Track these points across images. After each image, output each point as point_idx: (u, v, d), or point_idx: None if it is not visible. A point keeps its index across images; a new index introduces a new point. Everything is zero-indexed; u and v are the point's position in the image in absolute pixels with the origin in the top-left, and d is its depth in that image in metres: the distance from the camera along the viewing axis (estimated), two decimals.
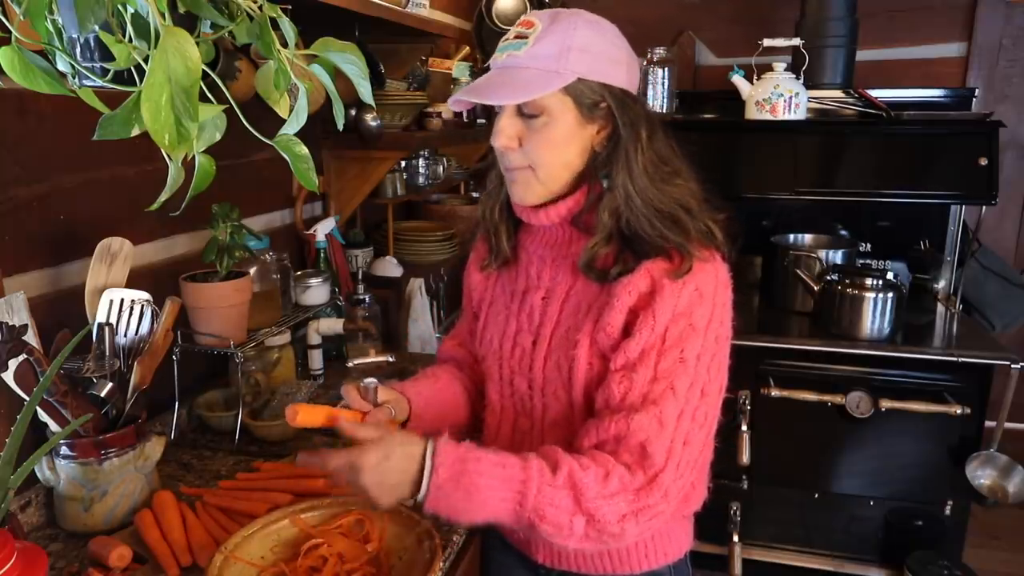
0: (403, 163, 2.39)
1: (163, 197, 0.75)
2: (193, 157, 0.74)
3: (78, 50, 0.73)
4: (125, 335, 1.24)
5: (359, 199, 2.17)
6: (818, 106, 2.42)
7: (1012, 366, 1.98)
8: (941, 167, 2.21)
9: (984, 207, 2.32)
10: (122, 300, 1.24)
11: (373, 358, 1.48)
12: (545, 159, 0.99)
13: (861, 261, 2.57)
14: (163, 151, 0.68)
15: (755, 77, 2.39)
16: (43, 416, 1.12)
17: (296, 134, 0.78)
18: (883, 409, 2.06)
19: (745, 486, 2.26)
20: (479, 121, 2.60)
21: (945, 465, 2.10)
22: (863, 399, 2.07)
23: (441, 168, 2.66)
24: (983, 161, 2.15)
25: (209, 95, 0.71)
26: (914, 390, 2.06)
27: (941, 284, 2.49)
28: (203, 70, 0.66)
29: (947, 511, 2.20)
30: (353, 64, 0.77)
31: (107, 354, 1.21)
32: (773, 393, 2.13)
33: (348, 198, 2.16)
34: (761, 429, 2.17)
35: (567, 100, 0.96)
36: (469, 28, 2.72)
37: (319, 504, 1.13)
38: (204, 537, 1.12)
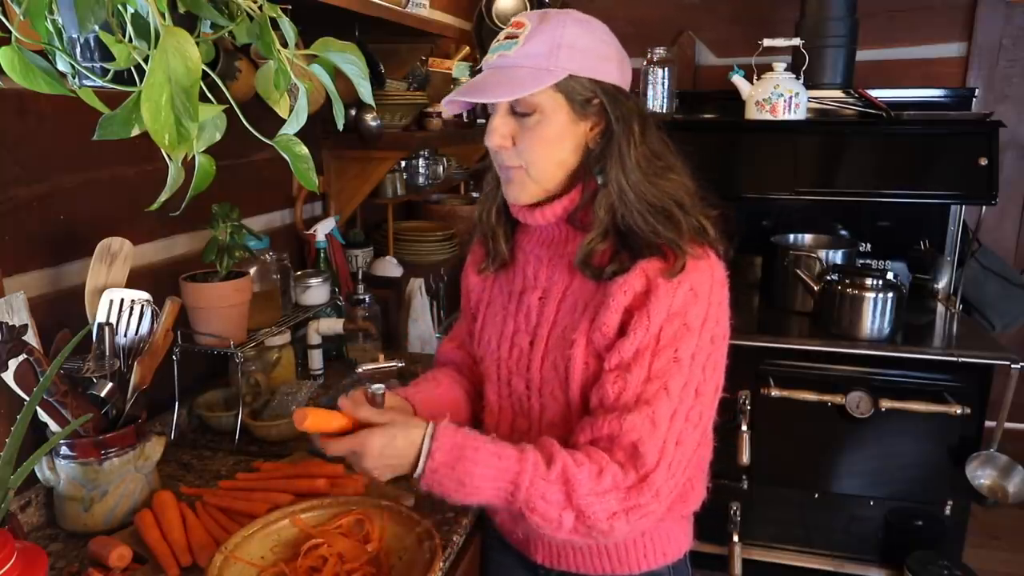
0: (403, 163, 2.39)
1: (163, 197, 0.75)
2: (193, 157, 0.74)
3: (78, 50, 0.73)
4: (125, 335, 1.24)
5: (359, 199, 2.17)
6: (818, 106, 2.42)
7: (1012, 366, 1.98)
8: (941, 167, 2.21)
9: (984, 207, 2.32)
10: (122, 300, 1.24)
11: (381, 364, 1.48)
12: (539, 157, 0.99)
13: (861, 261, 2.57)
14: (163, 151, 0.68)
15: (755, 77, 2.39)
16: (43, 416, 1.12)
17: (296, 134, 0.78)
18: (883, 409, 2.06)
19: (745, 486, 2.26)
20: (479, 121, 2.60)
21: (945, 465, 2.10)
22: (863, 399, 2.07)
23: (441, 168, 2.66)
24: (983, 161, 2.15)
25: (209, 95, 0.71)
26: (914, 390, 2.06)
27: (941, 284, 2.49)
28: (203, 70, 0.66)
29: (947, 511, 2.20)
30: (353, 64, 0.77)
31: (107, 354, 1.21)
32: (773, 393, 2.12)
33: (348, 198, 2.16)
34: (761, 429, 2.17)
35: (559, 97, 0.96)
36: (469, 28, 2.72)
37: (319, 504, 1.13)
38: (204, 537, 1.12)
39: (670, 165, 1.02)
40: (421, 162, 2.51)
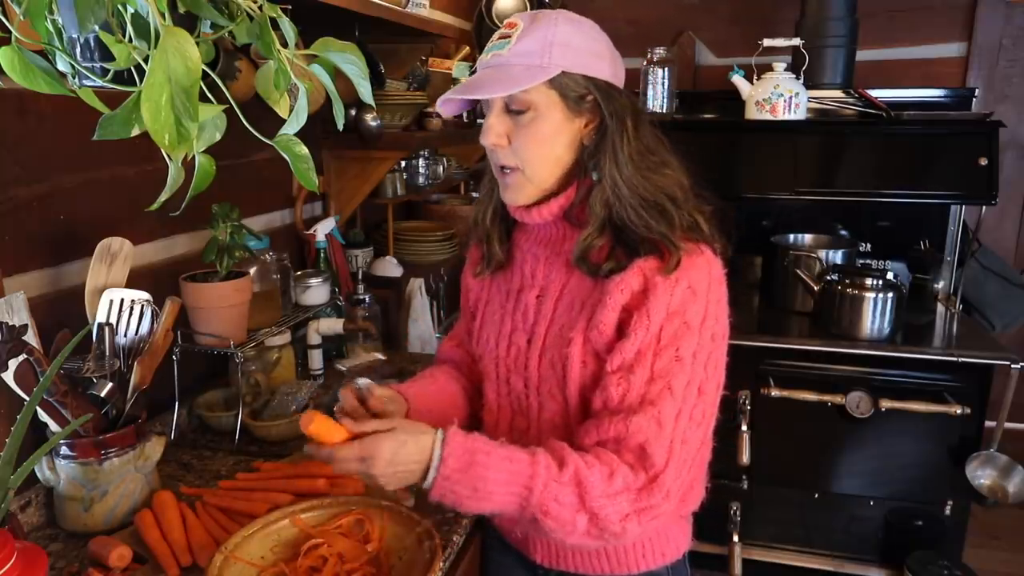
0: (403, 163, 2.39)
1: (163, 197, 0.75)
2: (193, 157, 0.74)
3: (78, 50, 0.73)
4: (125, 335, 1.24)
5: (359, 199, 2.17)
6: (818, 106, 2.42)
7: (1012, 366, 1.98)
8: (941, 167, 2.21)
9: (984, 207, 2.32)
10: (122, 300, 1.24)
11: (364, 358, 1.48)
12: (534, 155, 1.00)
13: (861, 261, 2.57)
14: (163, 151, 0.68)
15: (755, 77, 2.39)
16: (43, 416, 1.12)
17: (296, 134, 0.78)
18: (883, 409, 2.06)
19: (745, 486, 2.26)
20: (479, 121, 2.60)
21: (945, 465, 2.10)
22: (863, 399, 2.07)
23: (441, 168, 2.66)
24: (983, 161, 2.15)
25: (209, 95, 0.71)
26: (914, 390, 2.06)
27: (941, 284, 2.49)
28: (203, 70, 0.66)
29: (947, 511, 2.20)
30: (353, 64, 0.77)
31: (107, 354, 1.21)
32: (773, 393, 2.12)
33: (348, 198, 2.16)
34: (761, 429, 2.17)
35: (553, 94, 0.97)
36: (469, 28, 2.72)
37: (319, 504, 1.13)
38: (204, 537, 1.12)
39: (664, 160, 1.02)
40: (421, 162, 2.51)
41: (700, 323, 0.96)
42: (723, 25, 3.10)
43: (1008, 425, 2.10)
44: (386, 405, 1.06)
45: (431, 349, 2.18)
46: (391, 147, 2.09)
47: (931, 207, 2.48)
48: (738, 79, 2.43)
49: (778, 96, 2.30)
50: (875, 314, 2.11)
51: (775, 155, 2.36)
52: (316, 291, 1.76)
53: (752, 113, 2.37)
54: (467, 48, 2.72)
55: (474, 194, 2.94)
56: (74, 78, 0.74)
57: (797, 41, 2.41)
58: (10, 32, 0.69)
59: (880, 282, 2.13)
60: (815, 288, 2.23)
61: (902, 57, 2.94)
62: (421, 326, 2.21)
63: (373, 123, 1.98)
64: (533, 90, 0.96)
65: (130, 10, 0.66)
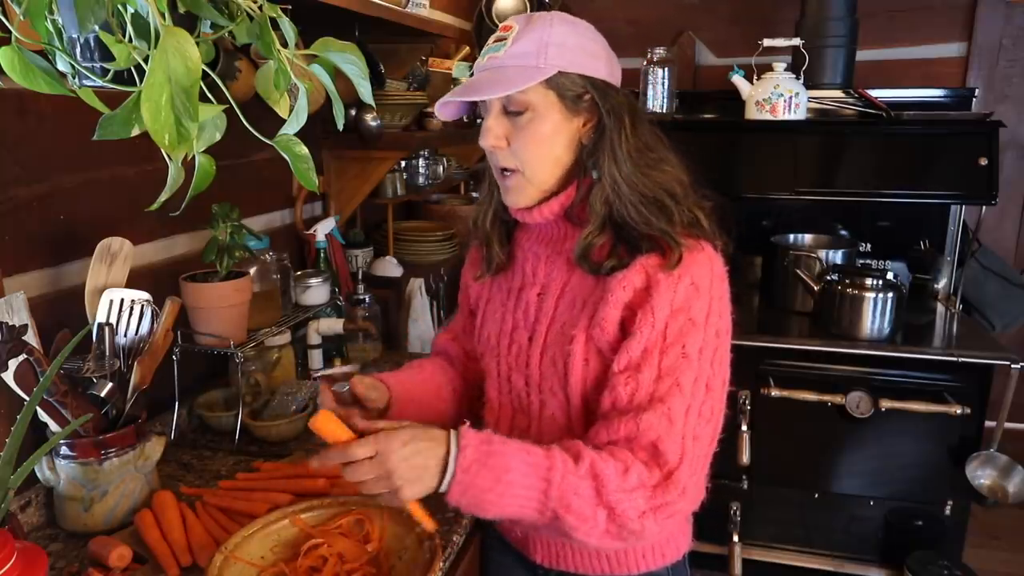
0: (403, 163, 2.39)
1: (163, 197, 0.75)
2: (193, 157, 0.74)
3: (78, 50, 0.73)
4: (125, 335, 1.24)
5: (359, 199, 2.17)
6: (818, 106, 2.42)
7: (1012, 366, 1.98)
8: (941, 167, 2.21)
9: (984, 207, 2.32)
10: (122, 300, 1.24)
11: (338, 368, 1.49)
12: (534, 156, 1.00)
13: (861, 261, 2.57)
14: (163, 151, 0.68)
15: (755, 77, 2.39)
16: (43, 416, 1.12)
17: (296, 134, 0.78)
18: (883, 409, 2.05)
19: (745, 486, 2.25)
20: (479, 121, 2.60)
21: (945, 465, 2.10)
22: (863, 399, 2.07)
23: (441, 168, 2.66)
24: (983, 161, 2.15)
25: (209, 95, 0.71)
26: (914, 390, 2.06)
27: (941, 284, 2.49)
28: (203, 70, 0.66)
29: (947, 511, 2.20)
30: (353, 64, 0.77)
31: (107, 354, 1.21)
32: (773, 393, 2.12)
33: (348, 198, 2.16)
34: (761, 429, 2.17)
35: (550, 95, 0.97)
36: (469, 28, 2.72)
37: (319, 504, 1.13)
38: (204, 537, 1.12)
39: (663, 157, 1.02)
40: (421, 162, 2.51)
41: (705, 319, 0.96)
42: (723, 25, 3.10)
43: (1008, 425, 2.09)
44: (368, 392, 1.07)
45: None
46: (391, 147, 2.09)
47: (931, 207, 2.48)
48: (738, 79, 2.43)
49: (778, 96, 2.30)
50: (875, 314, 2.11)
51: (775, 155, 2.36)
52: (316, 291, 1.76)
53: (752, 113, 2.37)
54: (467, 48, 2.72)
55: (474, 194, 2.94)
56: (74, 78, 0.74)
57: (797, 41, 2.41)
58: (10, 32, 0.69)
59: (880, 282, 2.13)
60: (815, 288, 2.23)
61: (902, 57, 2.94)
62: (421, 326, 2.21)
63: (373, 123, 1.98)
64: (530, 91, 0.96)
65: (130, 10, 0.66)
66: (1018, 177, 2.92)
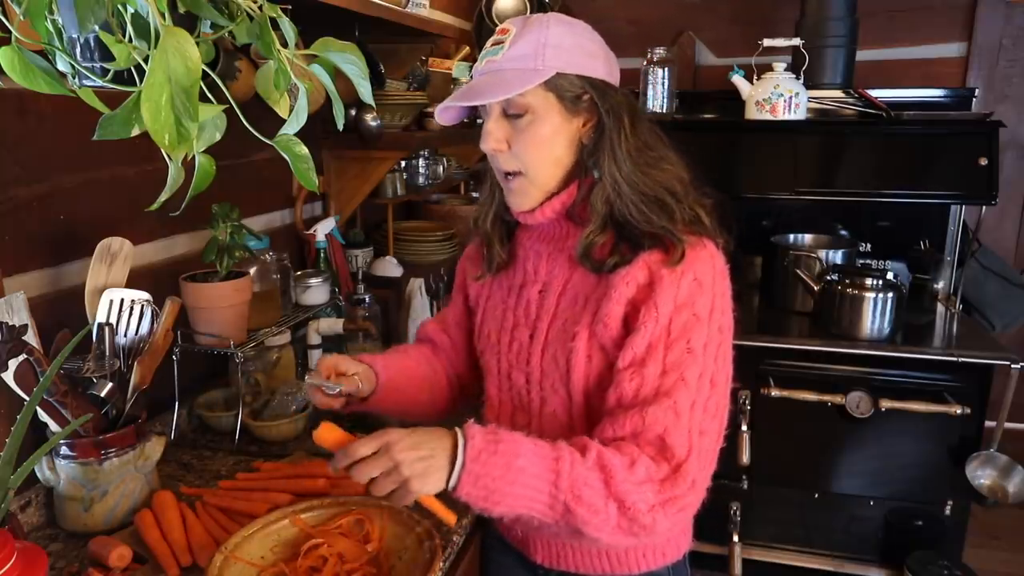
0: (403, 163, 2.38)
1: (163, 197, 0.75)
2: (193, 157, 0.74)
3: (78, 50, 0.73)
4: (125, 335, 1.24)
5: (359, 199, 2.17)
6: (818, 106, 2.42)
7: (1012, 366, 1.98)
8: (941, 167, 2.21)
9: (984, 207, 2.31)
10: (122, 300, 1.24)
11: (324, 382, 1.50)
12: (535, 157, 1.00)
13: (861, 261, 2.57)
14: (163, 151, 0.68)
15: (755, 77, 2.39)
16: (43, 416, 1.12)
17: (296, 134, 0.78)
18: (883, 409, 2.05)
19: (745, 486, 2.25)
20: (479, 121, 2.60)
21: (945, 465, 2.10)
22: (863, 399, 2.07)
23: (441, 168, 2.66)
24: (983, 161, 2.15)
25: (209, 95, 0.71)
26: (914, 390, 2.06)
27: (941, 284, 2.49)
28: (203, 70, 0.66)
29: (947, 511, 2.20)
30: (353, 64, 0.77)
31: (107, 354, 1.21)
32: (773, 393, 2.12)
33: (348, 198, 2.16)
34: (761, 429, 2.17)
35: (549, 96, 0.97)
36: (469, 28, 2.71)
37: (319, 504, 1.13)
38: (204, 537, 1.12)
39: (663, 155, 1.03)
40: (421, 162, 2.51)
41: (708, 315, 0.96)
42: (723, 25, 3.10)
43: (1008, 425, 2.09)
44: (357, 380, 1.09)
45: None
46: (391, 147, 2.09)
47: (931, 207, 2.48)
48: (738, 79, 2.43)
49: (778, 96, 2.30)
50: (875, 314, 2.11)
51: (775, 155, 2.35)
52: (316, 291, 1.76)
53: (752, 113, 2.37)
54: (467, 48, 2.71)
55: (474, 194, 2.94)
56: (74, 78, 0.74)
57: (797, 41, 2.41)
58: (10, 32, 0.69)
59: (880, 282, 2.13)
60: (815, 288, 2.23)
61: (902, 57, 2.94)
62: None
63: (373, 123, 1.98)
64: (529, 93, 0.96)
65: (130, 10, 0.66)
66: (1018, 177, 2.92)
